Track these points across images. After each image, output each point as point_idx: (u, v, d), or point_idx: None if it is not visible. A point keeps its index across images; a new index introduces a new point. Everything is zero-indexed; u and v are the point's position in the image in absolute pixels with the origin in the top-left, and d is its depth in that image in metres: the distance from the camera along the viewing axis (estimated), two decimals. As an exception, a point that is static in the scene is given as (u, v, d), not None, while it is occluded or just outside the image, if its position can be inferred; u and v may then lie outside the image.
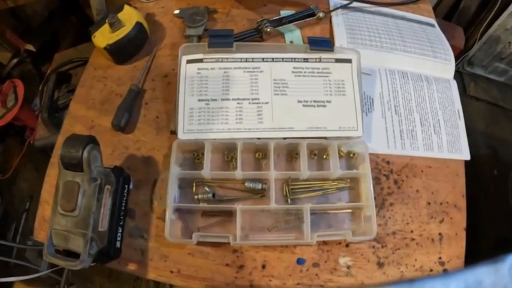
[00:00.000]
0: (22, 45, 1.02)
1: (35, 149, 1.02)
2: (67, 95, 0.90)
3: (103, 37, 0.59)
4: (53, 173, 0.59)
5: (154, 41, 0.64)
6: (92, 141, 0.47)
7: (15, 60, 1.12)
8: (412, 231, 0.55)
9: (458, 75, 1.32)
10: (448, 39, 0.74)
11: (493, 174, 1.23)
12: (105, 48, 0.58)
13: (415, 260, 0.54)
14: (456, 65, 1.32)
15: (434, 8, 1.22)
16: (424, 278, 0.23)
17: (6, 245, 1.03)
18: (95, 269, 1.10)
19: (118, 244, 0.52)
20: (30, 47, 1.03)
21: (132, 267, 0.52)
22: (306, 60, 0.55)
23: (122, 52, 0.60)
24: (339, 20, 0.65)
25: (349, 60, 0.56)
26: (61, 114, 0.89)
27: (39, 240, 0.56)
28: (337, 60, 0.56)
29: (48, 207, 0.55)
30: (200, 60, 0.54)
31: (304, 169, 0.50)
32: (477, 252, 1.14)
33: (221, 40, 0.54)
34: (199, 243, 0.51)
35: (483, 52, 1.25)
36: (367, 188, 0.51)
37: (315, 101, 0.54)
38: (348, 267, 0.52)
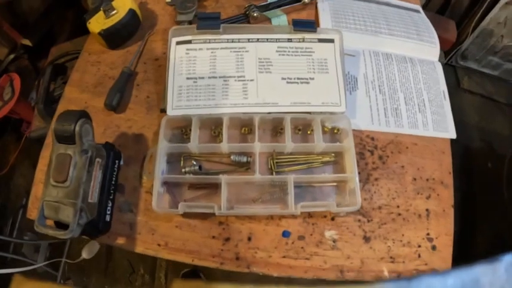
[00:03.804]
0: (19, 39, 1.06)
1: (31, 142, 1.06)
2: (62, 86, 0.94)
3: (97, 23, 0.63)
4: (46, 154, 0.61)
5: (146, 28, 0.68)
6: (84, 115, 0.50)
7: (11, 56, 1.17)
8: (398, 206, 0.57)
9: (452, 69, 1.35)
10: (441, 33, 0.77)
11: (487, 167, 1.25)
12: (99, 33, 0.62)
13: (402, 235, 0.56)
14: (449, 59, 1.37)
15: (428, 2, 1.26)
16: (421, 276, 0.24)
17: (3, 240, 1.05)
18: (91, 264, 1.12)
19: (108, 218, 0.54)
20: (27, 42, 1.08)
21: (121, 241, 0.55)
22: (289, 40, 0.59)
23: (115, 37, 0.64)
24: (324, 5, 0.69)
25: (331, 40, 0.59)
26: (57, 106, 0.92)
27: (32, 218, 0.59)
28: (320, 40, 0.59)
29: (41, 187, 0.58)
30: (189, 42, 0.58)
31: (289, 141, 0.52)
32: (474, 244, 1.15)
33: (209, 22, 0.58)
34: (186, 216, 0.53)
35: (476, 46, 1.28)
36: (351, 161, 0.53)
37: (298, 78, 0.57)
38: (334, 240, 0.54)
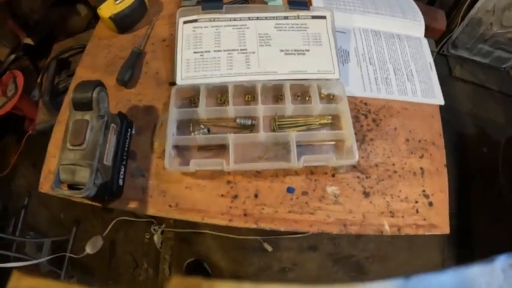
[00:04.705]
0: (23, 37, 1.15)
1: (35, 137, 1.12)
2: (67, 79, 1.02)
3: (108, 9, 0.72)
4: (59, 129, 0.68)
5: (152, 13, 0.77)
6: (100, 84, 0.58)
7: (12, 56, 1.25)
8: (393, 164, 0.64)
9: (444, 58, 1.46)
10: (430, 22, 0.86)
11: (483, 152, 1.33)
12: (110, 17, 0.71)
13: (400, 191, 0.63)
14: (441, 48, 1.47)
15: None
16: (419, 274, 0.25)
17: (6, 239, 1.09)
18: (94, 261, 1.16)
19: (121, 182, 0.60)
20: (29, 41, 1.16)
21: (133, 205, 0.61)
22: (286, 18, 0.68)
23: (124, 21, 0.73)
24: (316, -11, 0.79)
25: (323, 17, 0.68)
26: (61, 98, 1.00)
27: (44, 191, 0.64)
28: (313, 17, 0.68)
29: (54, 160, 0.65)
30: (195, 21, 0.67)
31: (289, 104, 0.60)
32: (472, 225, 1.21)
33: (213, 4, 0.67)
34: (195, 177, 0.60)
35: (466, 34, 1.39)
36: (346, 122, 0.61)
37: (295, 50, 0.65)
38: (336, 195, 0.61)
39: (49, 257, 1.09)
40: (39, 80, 1.08)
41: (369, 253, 1.19)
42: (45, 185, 0.64)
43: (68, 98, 0.70)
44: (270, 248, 1.19)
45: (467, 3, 1.32)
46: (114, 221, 1.17)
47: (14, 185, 1.28)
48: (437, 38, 1.34)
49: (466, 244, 1.19)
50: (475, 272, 0.26)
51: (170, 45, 0.72)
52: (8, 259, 1.06)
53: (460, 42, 1.42)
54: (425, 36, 0.80)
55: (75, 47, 1.04)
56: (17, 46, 1.19)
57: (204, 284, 0.26)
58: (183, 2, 0.75)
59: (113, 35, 0.75)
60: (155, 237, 1.23)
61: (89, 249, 1.12)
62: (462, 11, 1.33)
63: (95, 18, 1.16)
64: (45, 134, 1.03)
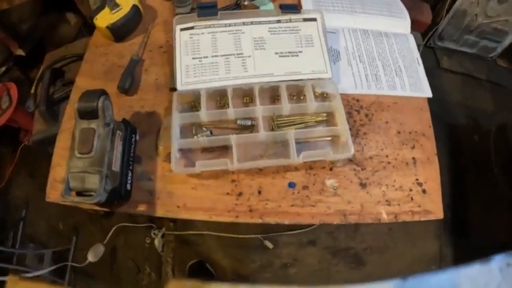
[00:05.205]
0: (14, 48, 1.17)
1: (29, 154, 1.14)
2: (62, 88, 1.05)
3: (104, 19, 0.75)
4: (63, 138, 0.71)
5: (147, 21, 0.81)
6: (104, 92, 0.62)
7: (3, 68, 1.27)
8: (387, 156, 0.70)
9: (431, 50, 1.53)
10: (416, 16, 0.92)
11: (475, 141, 1.40)
12: (107, 27, 0.74)
13: (394, 180, 0.69)
14: (427, 41, 1.54)
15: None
16: (416, 274, 0.26)
17: (6, 252, 1.11)
18: (96, 269, 1.18)
19: (128, 186, 0.65)
20: (21, 52, 1.19)
21: (142, 208, 0.65)
22: (278, 21, 0.73)
23: (121, 30, 0.76)
24: (305, -9, 0.84)
25: (314, 19, 0.73)
26: (57, 107, 1.03)
27: (51, 200, 0.67)
28: (305, 20, 0.73)
29: (60, 169, 0.68)
30: (192, 28, 0.71)
31: (285, 103, 0.65)
32: (467, 211, 1.28)
33: (208, 11, 0.72)
34: (200, 178, 0.65)
35: (452, 26, 1.46)
36: (341, 118, 0.66)
37: (289, 52, 0.71)
38: (335, 188, 0.66)
39: (51, 268, 1.11)
40: (32, 91, 1.10)
41: (366, 244, 1.25)
42: (52, 194, 0.67)
43: (69, 108, 0.73)
44: (270, 245, 1.24)
45: (451, -5, 1.39)
46: (114, 228, 1.20)
47: (10, 197, 1.30)
48: (424, 31, 1.41)
49: (461, 232, 1.26)
50: (472, 271, 0.26)
51: (168, 51, 0.76)
52: (9, 272, 1.09)
53: (446, 34, 1.49)
54: (412, 29, 0.86)
55: (68, 56, 1.06)
56: (8, 57, 1.21)
57: (202, 287, 0.27)
58: (178, 9, 0.79)
59: (110, 43, 0.79)
60: (156, 241, 1.27)
61: (90, 258, 1.15)
62: (447, 3, 1.41)
63: (85, 26, 1.19)
64: (43, 144, 1.06)
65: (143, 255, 1.23)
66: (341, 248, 1.24)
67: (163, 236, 1.25)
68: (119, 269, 1.21)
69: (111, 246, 1.25)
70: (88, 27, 1.14)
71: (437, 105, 0.78)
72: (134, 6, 0.77)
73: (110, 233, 1.21)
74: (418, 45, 0.85)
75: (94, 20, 0.76)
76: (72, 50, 1.12)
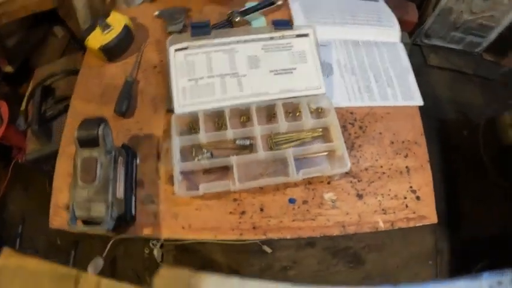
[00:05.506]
0: (4, 64, 1.16)
1: (22, 169, 1.14)
2: (54, 106, 1.05)
3: (96, 40, 0.76)
4: (63, 161, 0.72)
5: (139, 40, 0.82)
6: (104, 120, 0.63)
7: (-8, 86, 1.25)
8: (381, 166, 0.74)
9: (418, 48, 1.57)
10: (402, 15, 0.95)
11: (463, 135, 1.46)
12: (99, 48, 0.75)
13: (389, 189, 0.72)
14: (414, 39, 1.58)
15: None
16: (407, 285, 0.26)
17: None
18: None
19: (133, 211, 0.66)
20: (9, 69, 1.17)
21: (147, 231, 0.67)
22: (271, 38, 0.75)
23: (113, 51, 0.77)
24: (295, 5, 0.86)
25: (306, 35, 0.76)
26: (50, 125, 1.03)
27: (55, 227, 0.69)
28: (297, 36, 0.75)
29: (61, 195, 0.69)
30: (186, 48, 0.73)
31: (282, 121, 0.68)
32: (459, 205, 1.34)
33: (201, 30, 0.73)
34: (203, 198, 0.67)
35: (438, 24, 1.50)
36: (336, 133, 0.69)
37: (283, 69, 0.73)
38: (333, 201, 0.70)
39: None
40: (23, 108, 1.10)
41: (364, 243, 1.29)
42: (56, 220, 0.68)
43: (66, 131, 0.74)
44: (269, 250, 1.27)
45: (437, -7, 1.42)
46: (112, 240, 1.22)
47: (6, 213, 1.29)
48: (410, 30, 1.45)
49: (455, 226, 1.32)
50: (462, 287, 0.27)
51: (162, 71, 0.77)
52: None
53: (433, 32, 1.53)
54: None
55: (58, 73, 1.06)
56: (-4, 76, 1.19)
57: (192, 277, 0.28)
58: (170, 27, 0.80)
59: (102, 63, 0.80)
60: (155, 252, 1.29)
61: (91, 271, 1.17)
62: (433, 1, 1.44)
63: (73, 39, 1.18)
64: (37, 163, 1.06)
65: (143, 265, 1.25)
66: (340, 248, 1.28)
67: (162, 246, 1.28)
68: (120, 279, 1.22)
69: (111, 257, 1.26)
70: (77, 41, 1.13)
71: (426, 102, 0.80)
72: (126, 27, 0.77)
73: (108, 246, 1.23)
74: (406, 44, 0.88)
75: (86, 41, 0.77)
76: (61, 66, 1.12)
